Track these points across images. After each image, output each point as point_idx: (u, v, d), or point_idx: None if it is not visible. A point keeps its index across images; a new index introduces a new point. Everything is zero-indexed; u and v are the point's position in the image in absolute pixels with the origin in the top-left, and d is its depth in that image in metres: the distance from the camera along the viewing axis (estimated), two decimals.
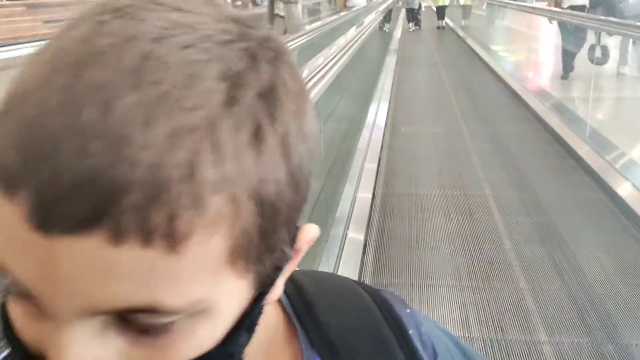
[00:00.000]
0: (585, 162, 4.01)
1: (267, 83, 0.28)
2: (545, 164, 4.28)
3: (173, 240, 0.24)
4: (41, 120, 0.24)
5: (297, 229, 0.33)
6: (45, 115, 0.24)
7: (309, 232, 0.35)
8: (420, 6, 15.91)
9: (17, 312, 0.29)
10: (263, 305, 0.33)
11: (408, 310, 0.48)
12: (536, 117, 5.39)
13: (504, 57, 9.43)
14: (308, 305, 0.44)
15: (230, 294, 0.30)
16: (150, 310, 0.26)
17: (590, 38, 6.42)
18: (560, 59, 7.25)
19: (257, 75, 0.28)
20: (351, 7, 9.05)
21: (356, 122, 5.21)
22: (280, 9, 6.67)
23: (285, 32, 5.81)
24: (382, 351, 0.45)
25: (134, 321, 0.27)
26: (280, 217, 0.29)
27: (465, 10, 15.98)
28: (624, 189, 3.41)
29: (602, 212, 3.31)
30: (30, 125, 0.24)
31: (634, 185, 3.39)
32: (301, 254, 0.35)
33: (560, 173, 4.05)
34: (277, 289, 0.34)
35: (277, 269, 0.32)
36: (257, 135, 0.27)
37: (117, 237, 0.24)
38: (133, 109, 0.23)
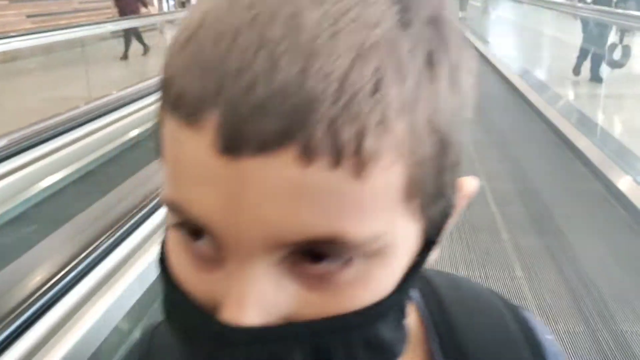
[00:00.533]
0: None
1: (436, 11, 0.27)
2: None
3: (360, 161, 0.24)
4: (231, 38, 0.24)
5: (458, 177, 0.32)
6: (234, 32, 0.24)
7: (470, 184, 0.34)
8: None
9: (183, 262, 0.28)
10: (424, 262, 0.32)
11: (549, 337, 0.45)
12: (536, 111, 5.39)
13: (503, 50, 9.38)
14: (444, 310, 0.42)
15: (405, 237, 0.29)
16: (334, 241, 0.25)
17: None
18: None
19: (426, 2, 0.27)
20: None
21: None
22: None
23: None
24: None
25: (311, 263, 0.26)
26: (450, 154, 0.28)
27: (462, 1, 15.93)
28: None
29: None
30: (219, 44, 0.24)
31: None
32: (459, 211, 0.34)
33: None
34: (434, 253, 0.33)
35: (445, 217, 0.32)
36: (431, 62, 0.26)
37: (308, 155, 0.23)
38: (320, 23, 0.23)
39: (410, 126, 0.25)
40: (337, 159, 0.23)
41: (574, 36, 7.05)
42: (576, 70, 6.80)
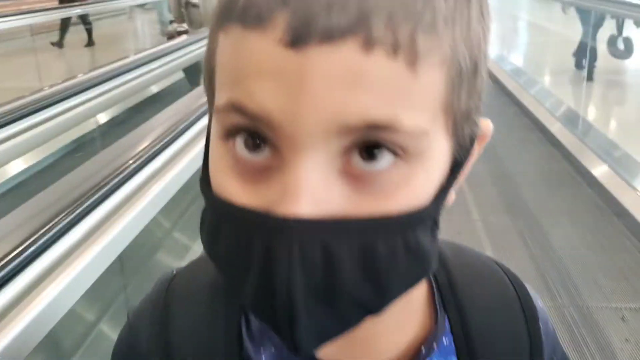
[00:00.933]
0: None
1: None
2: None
3: (414, 54, 0.27)
4: None
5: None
6: None
7: (487, 124, 0.36)
8: None
9: (231, 179, 0.31)
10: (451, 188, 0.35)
11: (541, 305, 0.49)
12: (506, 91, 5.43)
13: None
14: (447, 271, 0.46)
15: (440, 149, 0.32)
16: (389, 126, 0.28)
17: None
18: None
19: None
20: None
21: None
22: None
23: (201, 25, 4.30)
24: (509, 331, 0.45)
25: (363, 161, 0.29)
26: (478, 77, 0.32)
27: None
28: None
29: None
30: None
31: None
32: (472, 159, 0.36)
33: None
34: (452, 194, 0.35)
35: (471, 141, 0.35)
36: None
37: (369, 45, 0.26)
38: None
39: (451, 39, 0.29)
40: (394, 49, 0.27)
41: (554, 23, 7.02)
42: (579, 64, 5.97)
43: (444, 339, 0.43)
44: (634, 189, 3.08)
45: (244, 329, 0.42)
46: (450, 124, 0.32)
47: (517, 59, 7.15)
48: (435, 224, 0.33)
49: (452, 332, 0.44)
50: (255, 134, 0.30)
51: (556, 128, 4.10)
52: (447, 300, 0.44)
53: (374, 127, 0.28)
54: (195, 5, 4.43)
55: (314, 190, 0.28)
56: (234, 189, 0.31)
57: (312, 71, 0.26)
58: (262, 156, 0.30)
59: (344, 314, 0.32)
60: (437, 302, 0.44)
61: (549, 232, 2.80)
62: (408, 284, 0.34)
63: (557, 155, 3.78)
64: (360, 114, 0.27)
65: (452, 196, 0.35)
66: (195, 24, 4.38)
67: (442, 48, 0.28)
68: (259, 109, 0.28)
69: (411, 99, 0.28)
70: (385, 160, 0.29)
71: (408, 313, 0.43)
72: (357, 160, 0.29)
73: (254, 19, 0.27)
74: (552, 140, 4.06)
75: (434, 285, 0.45)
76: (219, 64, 0.31)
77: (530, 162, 3.80)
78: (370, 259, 0.30)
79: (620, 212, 2.84)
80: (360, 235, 0.30)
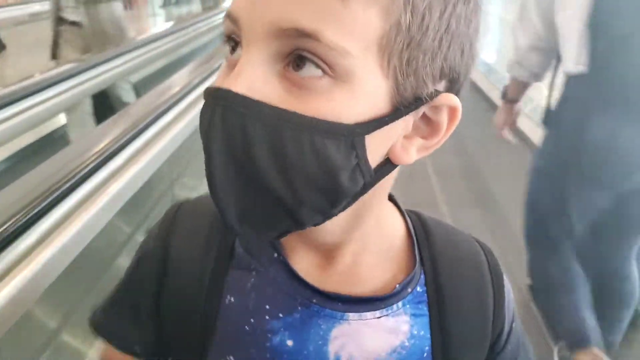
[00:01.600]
0: None
1: None
2: None
3: None
4: None
5: (441, 80, 0.40)
6: None
7: (452, 99, 0.41)
8: None
9: (222, 76, 0.41)
10: (393, 165, 0.42)
11: (507, 281, 0.55)
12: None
13: None
14: (427, 231, 0.53)
15: (371, 81, 0.37)
16: (313, 35, 0.35)
17: None
18: None
19: None
20: None
21: None
22: (74, 11, 3.07)
23: (86, 50, 2.99)
24: (477, 288, 0.51)
25: (294, 70, 0.37)
26: (426, 37, 0.37)
27: None
28: None
29: None
30: None
31: None
32: (441, 132, 0.42)
33: None
34: (408, 154, 0.42)
35: (416, 100, 0.39)
36: None
37: None
38: None
39: None
40: None
41: None
42: None
43: (417, 287, 0.50)
44: None
45: (232, 261, 0.51)
46: (386, 64, 0.37)
47: (488, 58, 7.22)
48: (354, 148, 0.38)
49: (425, 284, 0.50)
50: (235, 41, 0.40)
51: (525, 125, 4.14)
52: (425, 256, 0.51)
53: (302, 33, 0.35)
54: (75, 24, 3.06)
55: (252, 77, 0.37)
56: (219, 80, 0.40)
57: None
58: (236, 55, 0.40)
59: (259, 198, 0.38)
60: (415, 255, 0.51)
61: (519, 226, 2.81)
62: (316, 190, 0.38)
63: (527, 150, 3.81)
64: (292, 22, 0.35)
65: (407, 155, 0.42)
66: (75, 48, 3.05)
67: None
68: (234, 11, 0.39)
69: (338, 21, 0.35)
70: (311, 70, 0.36)
71: (388, 255, 0.51)
72: (290, 68, 0.37)
73: None
74: (521, 136, 4.09)
75: (415, 240, 0.52)
76: None
77: (500, 156, 3.82)
78: (279, 146, 0.36)
79: None
80: (273, 120, 0.36)
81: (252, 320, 0.48)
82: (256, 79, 0.37)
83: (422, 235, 0.52)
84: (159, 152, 1.56)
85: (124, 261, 2.02)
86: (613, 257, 1.74)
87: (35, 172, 1.19)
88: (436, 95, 0.40)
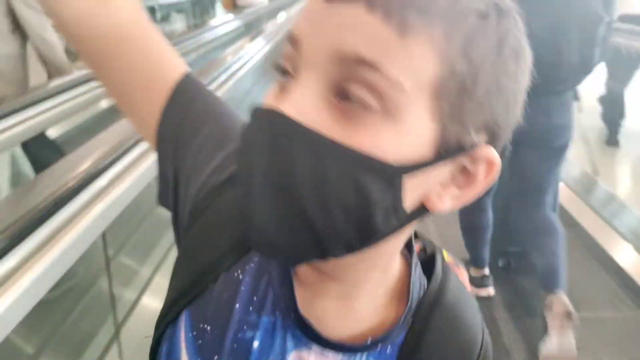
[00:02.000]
0: None
1: (502, 34, 0.39)
2: None
3: (404, 25, 0.35)
4: None
5: (484, 133, 0.40)
6: None
7: (492, 152, 0.41)
8: None
9: (270, 98, 0.41)
10: (426, 211, 0.41)
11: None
12: None
13: None
14: (436, 300, 0.50)
15: (419, 123, 0.37)
16: (372, 64, 0.35)
17: None
18: None
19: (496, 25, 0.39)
20: (244, 7, 6.51)
21: None
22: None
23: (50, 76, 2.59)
24: None
25: (345, 100, 0.37)
26: (478, 87, 0.38)
27: None
28: None
29: None
30: None
31: None
32: (477, 185, 0.42)
33: None
34: (443, 202, 0.41)
35: (459, 148, 0.39)
36: (486, 13, 0.38)
37: (370, 7, 0.35)
38: None
39: (446, 33, 0.36)
40: (388, 15, 0.35)
41: None
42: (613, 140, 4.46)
43: (389, 347, 0.48)
44: (584, 200, 3.16)
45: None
46: (436, 109, 0.37)
47: None
48: (392, 188, 0.38)
49: (400, 347, 0.48)
50: (286, 71, 0.40)
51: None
52: (417, 316, 0.49)
53: (362, 62, 0.36)
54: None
55: (304, 102, 0.37)
56: (268, 100, 0.41)
57: (330, 15, 0.37)
58: (287, 78, 0.40)
59: (291, 219, 0.38)
60: (403, 314, 0.49)
61: None
62: (349, 222, 0.38)
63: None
64: (354, 49, 0.36)
65: (442, 203, 0.41)
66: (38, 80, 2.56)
67: (432, 30, 0.36)
68: (295, 34, 0.39)
69: (397, 59, 0.36)
70: (363, 101, 0.36)
71: (385, 291, 0.50)
72: (342, 98, 0.37)
73: None
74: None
75: (409, 301, 0.49)
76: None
77: None
78: (320, 172, 0.36)
79: (570, 222, 2.90)
80: (318, 147, 0.36)
81: (237, 305, 0.49)
82: (308, 104, 0.37)
83: (428, 301, 0.50)
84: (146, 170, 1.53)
85: (104, 283, 1.99)
86: None
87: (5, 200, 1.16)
88: (477, 146, 0.40)
